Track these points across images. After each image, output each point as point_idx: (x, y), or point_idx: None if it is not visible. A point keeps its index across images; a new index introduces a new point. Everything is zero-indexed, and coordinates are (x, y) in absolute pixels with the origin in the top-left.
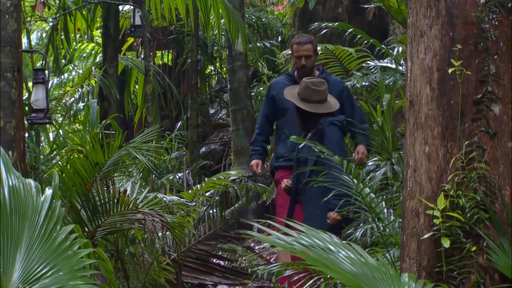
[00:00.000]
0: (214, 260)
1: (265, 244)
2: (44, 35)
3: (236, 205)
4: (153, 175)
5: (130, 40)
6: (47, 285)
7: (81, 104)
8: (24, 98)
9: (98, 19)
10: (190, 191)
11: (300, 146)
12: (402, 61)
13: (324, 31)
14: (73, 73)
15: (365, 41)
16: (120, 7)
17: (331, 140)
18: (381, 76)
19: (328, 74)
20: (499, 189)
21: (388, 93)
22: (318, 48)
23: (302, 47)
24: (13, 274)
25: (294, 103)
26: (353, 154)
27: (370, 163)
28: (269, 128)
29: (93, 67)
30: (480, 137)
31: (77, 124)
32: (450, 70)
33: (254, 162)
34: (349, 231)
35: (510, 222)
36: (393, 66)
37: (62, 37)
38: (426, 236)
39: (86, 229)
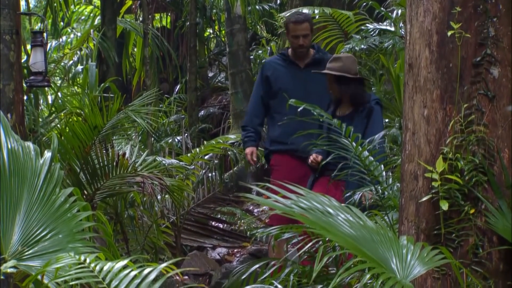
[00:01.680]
0: (213, 223)
1: (264, 207)
2: None
3: (235, 168)
4: (152, 138)
5: (129, 2)
6: (46, 248)
7: (79, 67)
8: (22, 61)
9: None
10: (189, 154)
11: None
12: (401, 24)
13: None
14: (72, 36)
15: (364, 4)
16: None
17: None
18: (380, 39)
19: (324, 53)
20: (497, 151)
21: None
22: (316, 11)
23: (300, 26)
24: (12, 236)
25: (292, 83)
26: None
27: None
28: (264, 110)
29: (91, 30)
30: (479, 100)
31: (76, 87)
32: (449, 33)
33: (248, 150)
34: (347, 194)
35: (508, 185)
36: (392, 29)
37: None
38: (424, 199)
39: (85, 192)
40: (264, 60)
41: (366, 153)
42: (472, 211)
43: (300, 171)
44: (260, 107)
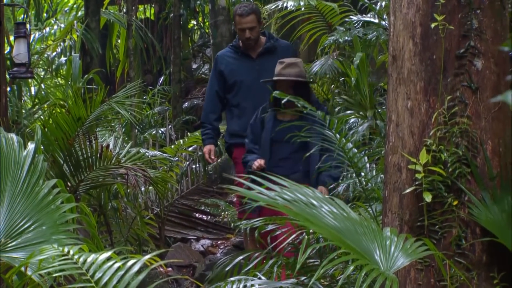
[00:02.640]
0: (197, 214)
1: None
2: None
3: (219, 160)
4: (136, 130)
5: None
6: (29, 240)
7: (63, 59)
8: (5, 52)
9: None
10: (173, 146)
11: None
12: (385, 16)
13: None
14: (55, 27)
15: None
16: None
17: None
18: (364, 31)
19: (276, 40)
20: (481, 143)
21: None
22: (302, 3)
23: (245, 19)
24: None
25: (246, 74)
26: None
27: (351, 120)
28: (221, 105)
29: (75, 21)
30: (462, 91)
31: (59, 79)
32: (433, 25)
33: (206, 148)
34: (331, 186)
35: (491, 177)
36: (376, 20)
37: None
38: (408, 190)
39: (69, 184)
40: (216, 54)
41: (350, 144)
42: (455, 202)
43: None
44: (216, 102)
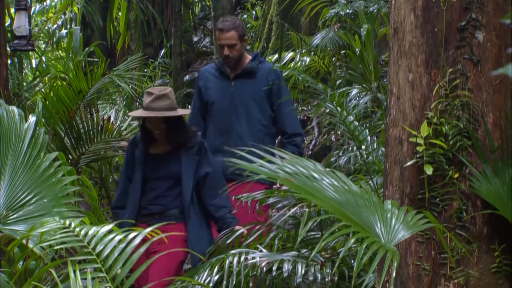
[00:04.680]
0: None
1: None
2: None
3: None
4: (137, 103)
5: None
6: (31, 212)
7: (64, 31)
8: (6, 24)
9: None
10: None
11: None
12: None
13: None
14: None
15: None
16: None
17: None
18: (365, 4)
19: (261, 62)
20: (482, 116)
21: (368, 23)
22: None
23: (224, 34)
24: None
25: (219, 95)
26: None
27: (352, 93)
28: (203, 122)
29: None
30: (463, 64)
31: (60, 51)
32: None
33: None
34: (333, 159)
35: (492, 149)
36: None
37: None
38: (409, 163)
39: (70, 157)
40: (201, 69)
41: (351, 118)
42: (456, 175)
43: None
44: (198, 119)
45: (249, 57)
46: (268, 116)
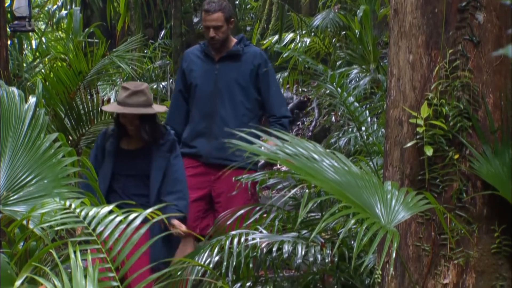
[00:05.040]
0: None
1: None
2: None
3: None
4: None
5: None
6: (31, 193)
7: (63, 12)
8: (6, 5)
9: None
10: None
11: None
12: None
13: None
14: None
15: None
16: None
17: None
18: None
19: (246, 45)
20: (482, 97)
21: (367, 4)
22: None
23: (210, 16)
24: None
25: (203, 78)
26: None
27: (354, 73)
28: (186, 105)
29: None
30: (464, 45)
31: (60, 32)
32: None
33: None
34: (333, 140)
35: (493, 130)
36: None
37: None
38: (409, 144)
39: (70, 138)
40: (185, 51)
41: (351, 99)
42: (456, 156)
43: (203, 180)
44: (180, 102)
45: (234, 40)
46: (253, 99)
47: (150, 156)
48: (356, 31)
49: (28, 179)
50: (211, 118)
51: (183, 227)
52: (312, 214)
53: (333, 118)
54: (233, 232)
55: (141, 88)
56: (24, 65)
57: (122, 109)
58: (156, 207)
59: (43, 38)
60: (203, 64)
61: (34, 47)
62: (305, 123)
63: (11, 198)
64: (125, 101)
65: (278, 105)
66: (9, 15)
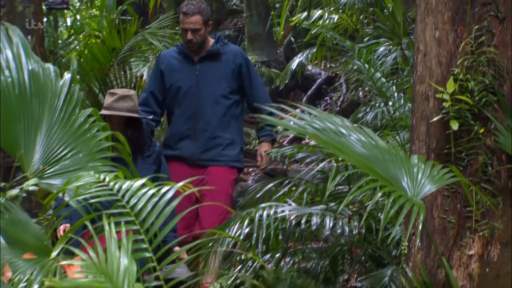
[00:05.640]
0: None
1: (278, 127)
2: None
3: None
4: None
5: None
6: (67, 166)
7: None
8: None
9: None
10: None
11: None
12: None
13: None
14: None
15: None
16: None
17: None
18: None
19: (225, 44)
20: (507, 72)
21: None
22: None
23: (188, 18)
24: (34, 155)
25: (184, 79)
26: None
27: (381, 49)
28: (157, 108)
29: None
30: (489, 21)
31: (94, 10)
32: None
33: None
34: (360, 115)
35: None
36: None
37: None
38: (435, 119)
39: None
40: (160, 52)
41: (378, 74)
42: (481, 130)
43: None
44: (150, 104)
45: (212, 40)
46: (235, 99)
47: (134, 165)
48: (389, 5)
49: (63, 153)
50: (194, 119)
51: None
52: (340, 187)
53: (360, 93)
54: (263, 205)
55: (128, 94)
56: (60, 42)
57: (108, 112)
58: (181, 183)
59: (77, 16)
60: (183, 65)
61: (69, 24)
62: (333, 98)
63: (47, 172)
64: (111, 105)
65: (263, 99)
66: None
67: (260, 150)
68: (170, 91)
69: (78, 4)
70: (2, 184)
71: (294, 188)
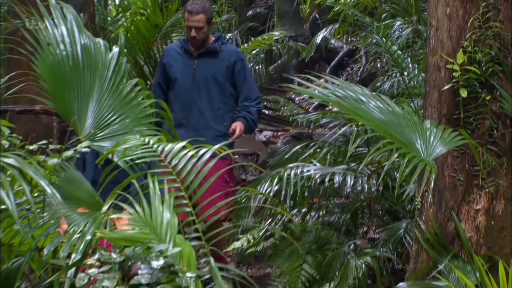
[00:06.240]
0: None
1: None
2: None
3: (279, 61)
4: None
5: None
6: (115, 131)
7: None
8: None
9: None
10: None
11: None
12: None
13: None
14: None
15: None
16: None
17: None
18: None
19: (223, 43)
20: (511, 44)
21: None
22: None
23: (193, 17)
24: (86, 121)
25: (182, 72)
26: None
27: (396, 26)
28: (164, 97)
29: None
30: None
31: None
32: None
33: None
34: (378, 84)
35: None
36: None
37: None
38: (446, 87)
39: (148, 82)
40: (165, 47)
41: (394, 47)
42: (488, 97)
43: None
44: (158, 93)
45: (212, 38)
46: (229, 94)
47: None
48: None
49: (112, 118)
50: (189, 110)
51: None
52: (360, 149)
53: (378, 64)
54: (291, 165)
55: None
56: (109, 19)
57: None
58: (218, 145)
59: None
60: (183, 59)
61: (117, 3)
62: (354, 69)
63: (98, 135)
64: None
65: (254, 92)
66: None
67: (233, 125)
68: (170, 83)
69: None
70: (58, 146)
71: (318, 150)
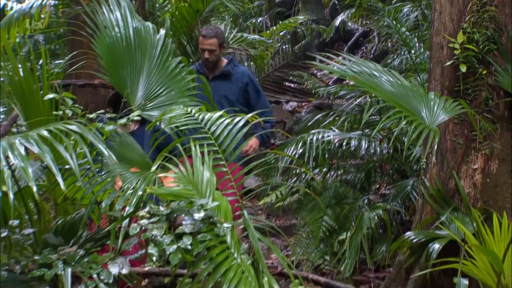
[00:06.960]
0: (286, 83)
1: (325, 71)
2: None
3: (303, 41)
4: (240, 19)
5: None
6: (162, 101)
7: None
8: None
9: None
10: (268, 31)
11: None
12: None
13: None
14: None
15: None
16: None
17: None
18: None
19: (235, 65)
20: (505, 26)
21: None
22: None
23: (207, 40)
24: (137, 93)
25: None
26: None
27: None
28: None
29: None
30: None
31: None
32: None
33: None
34: (389, 60)
35: None
36: None
37: None
38: (448, 63)
39: (191, 60)
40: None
41: (403, 29)
42: (484, 72)
43: None
44: None
45: (225, 61)
46: (239, 111)
47: (143, 136)
48: None
49: (159, 91)
50: None
51: None
52: (373, 117)
53: (389, 44)
54: (313, 131)
55: None
56: (157, 5)
57: None
58: (250, 114)
59: None
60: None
61: None
62: (368, 48)
63: (148, 106)
64: None
65: (266, 106)
66: None
67: (250, 142)
68: None
69: None
70: (114, 115)
71: (337, 118)
